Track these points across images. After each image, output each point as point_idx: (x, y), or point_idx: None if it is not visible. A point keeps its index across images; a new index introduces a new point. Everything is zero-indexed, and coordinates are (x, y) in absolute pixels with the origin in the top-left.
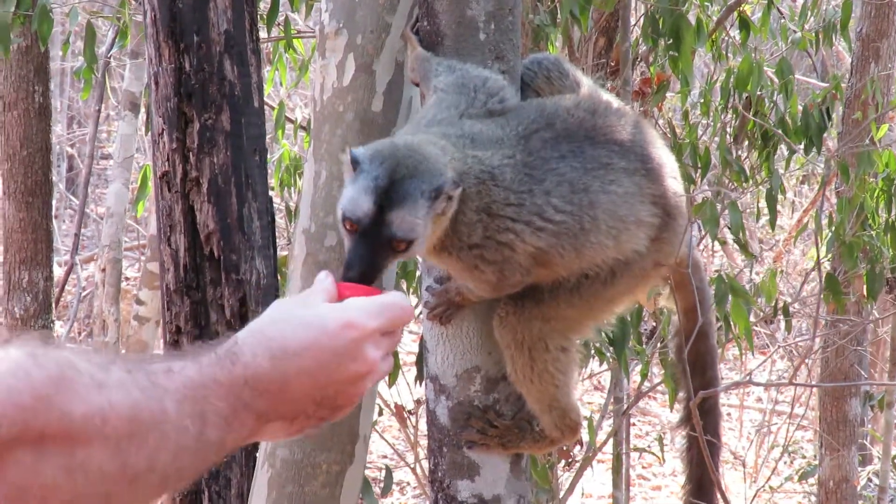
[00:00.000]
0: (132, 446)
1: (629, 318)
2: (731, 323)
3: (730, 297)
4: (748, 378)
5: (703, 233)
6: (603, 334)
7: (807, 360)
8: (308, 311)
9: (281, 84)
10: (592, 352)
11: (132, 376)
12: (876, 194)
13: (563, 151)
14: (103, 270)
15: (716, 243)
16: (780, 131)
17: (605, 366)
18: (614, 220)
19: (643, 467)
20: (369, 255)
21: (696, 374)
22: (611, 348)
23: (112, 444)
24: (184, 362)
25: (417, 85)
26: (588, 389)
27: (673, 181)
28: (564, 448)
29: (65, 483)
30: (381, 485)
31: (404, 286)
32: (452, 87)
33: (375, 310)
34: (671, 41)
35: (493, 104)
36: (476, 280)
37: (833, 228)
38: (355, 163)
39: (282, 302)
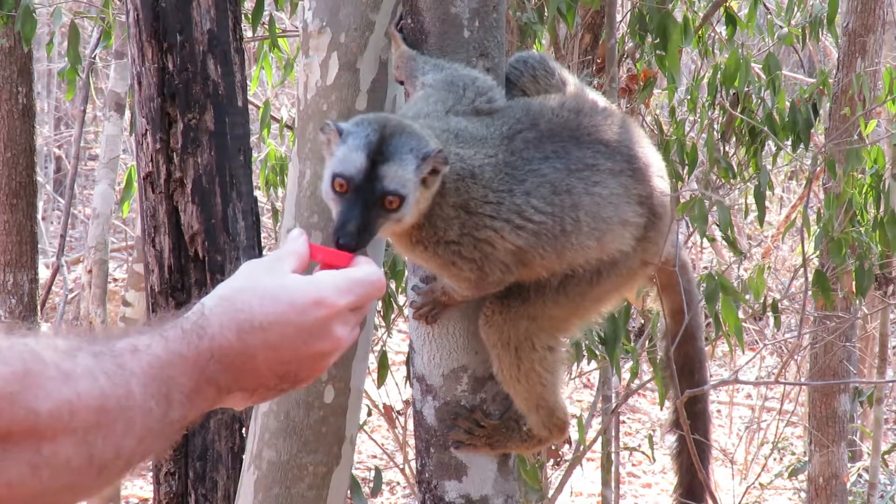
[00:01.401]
0: (99, 437)
1: (619, 317)
2: (722, 321)
3: (720, 294)
4: (735, 377)
5: (691, 230)
6: (594, 333)
7: (796, 357)
8: (277, 282)
9: (266, 83)
10: (584, 351)
11: (98, 362)
12: (864, 190)
13: (546, 152)
14: (90, 272)
15: (704, 240)
16: (767, 128)
17: (593, 364)
18: (597, 222)
19: (633, 465)
20: (362, 214)
21: (685, 377)
22: (601, 347)
23: (79, 436)
24: (150, 338)
25: (402, 83)
26: (577, 387)
27: (659, 180)
28: (553, 447)
29: (30, 479)
30: (371, 485)
31: (393, 286)
32: (441, 84)
33: (346, 286)
34: (658, 40)
35: (480, 103)
36: (455, 277)
37: (821, 224)
38: (340, 132)
39: (251, 266)
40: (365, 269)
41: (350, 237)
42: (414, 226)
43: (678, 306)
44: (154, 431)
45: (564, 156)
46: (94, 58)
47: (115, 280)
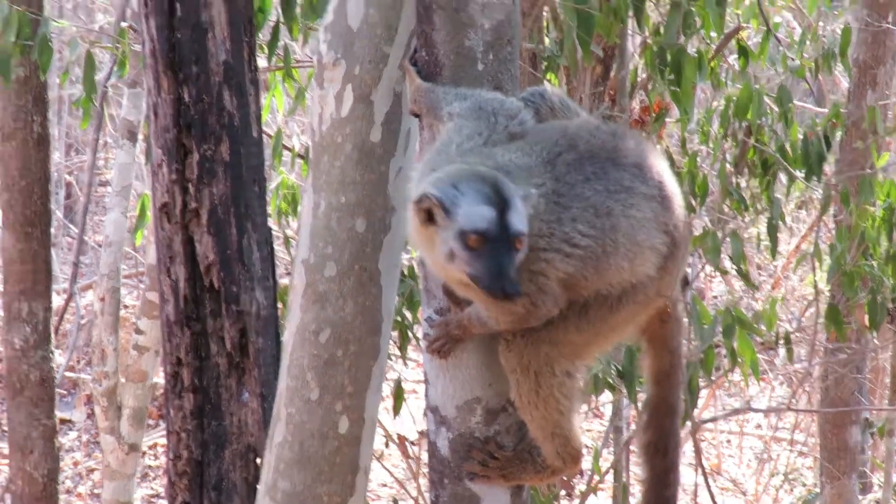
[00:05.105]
0: None
1: (637, 350)
2: (738, 354)
3: (736, 329)
4: (747, 405)
5: (703, 262)
6: (611, 365)
7: (807, 388)
8: None
9: (278, 111)
10: (601, 382)
11: None
12: (877, 224)
13: (587, 173)
14: (102, 300)
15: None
16: (780, 159)
17: (606, 395)
18: (632, 244)
19: None
20: (506, 259)
21: (658, 454)
22: (618, 379)
23: None
24: None
25: (416, 115)
26: (588, 417)
27: (681, 211)
28: (566, 478)
29: None
30: None
31: (409, 316)
32: (470, 113)
33: None
34: (672, 75)
35: (513, 127)
36: (506, 312)
37: (834, 257)
38: (441, 200)
39: None
40: None
41: (514, 283)
42: None
43: (664, 367)
44: None
45: (603, 177)
46: (108, 86)
47: (127, 307)
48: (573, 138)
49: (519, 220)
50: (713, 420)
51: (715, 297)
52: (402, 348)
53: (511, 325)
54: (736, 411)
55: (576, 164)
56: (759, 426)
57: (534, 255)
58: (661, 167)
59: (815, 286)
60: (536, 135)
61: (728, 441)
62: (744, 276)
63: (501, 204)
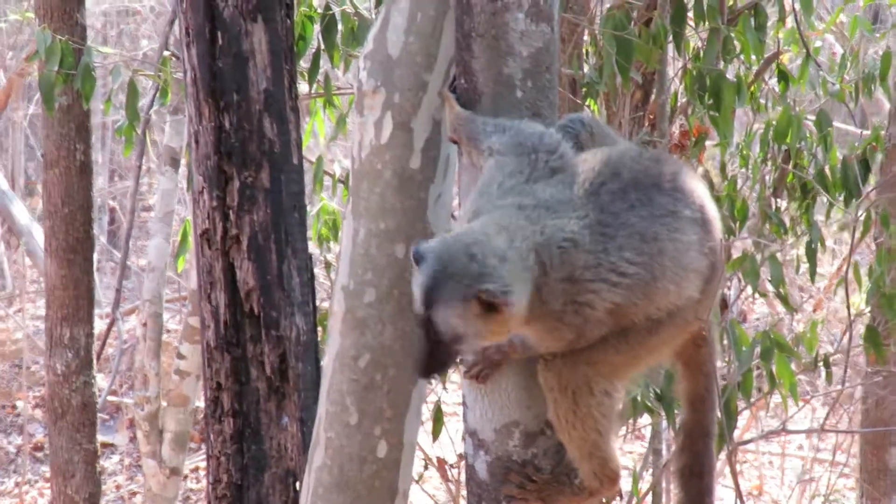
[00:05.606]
0: None
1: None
2: (777, 378)
3: (775, 352)
4: (784, 426)
5: (743, 284)
6: (650, 388)
7: (848, 408)
8: None
9: (319, 136)
10: (640, 406)
11: None
12: None
13: (631, 201)
14: (144, 325)
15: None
16: (819, 183)
17: (645, 417)
18: (678, 268)
19: None
20: (427, 348)
21: (693, 478)
22: (656, 402)
23: None
24: None
25: (455, 143)
26: (629, 439)
27: (718, 234)
28: (604, 500)
29: None
30: None
31: None
32: (510, 149)
33: None
34: (711, 101)
35: (554, 161)
36: (554, 340)
37: (872, 279)
38: (418, 258)
39: None
40: None
41: (420, 370)
42: None
43: (699, 391)
44: None
45: (648, 203)
46: (150, 114)
47: (169, 331)
48: (616, 166)
49: (446, 323)
50: (749, 442)
51: (757, 320)
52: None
53: (558, 349)
54: (770, 433)
55: (620, 192)
56: (800, 447)
57: (580, 286)
58: (701, 191)
59: (848, 308)
60: (578, 166)
61: (770, 462)
62: (783, 299)
63: (433, 301)
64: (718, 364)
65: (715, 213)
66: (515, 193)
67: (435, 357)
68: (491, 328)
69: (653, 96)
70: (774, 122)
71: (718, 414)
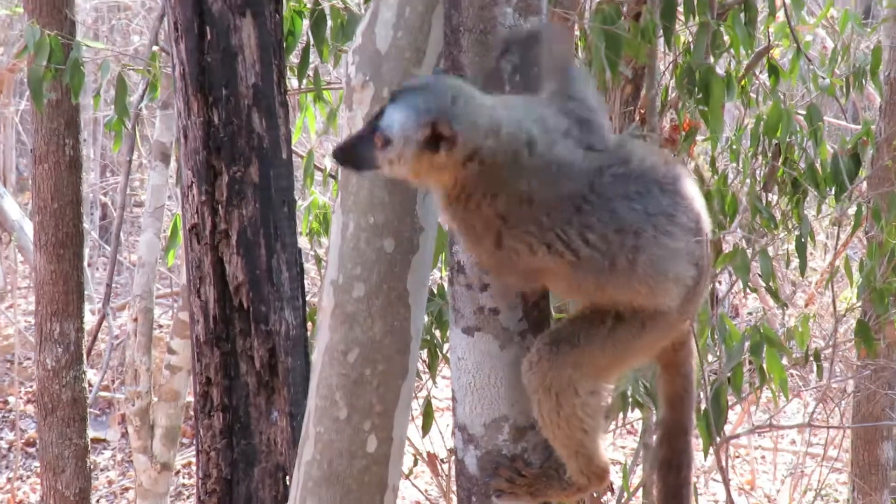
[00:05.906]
0: None
1: None
2: (766, 372)
3: (765, 346)
4: (770, 422)
5: (734, 279)
6: (640, 383)
7: (840, 403)
8: None
9: (310, 131)
10: (630, 401)
11: None
12: None
13: (629, 191)
14: (135, 320)
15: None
16: (809, 178)
17: (636, 412)
18: (654, 271)
19: None
20: (359, 135)
21: (672, 471)
22: (647, 397)
23: None
24: None
25: None
26: (621, 434)
27: (708, 241)
28: (595, 494)
29: None
30: None
31: (438, 335)
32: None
33: None
34: (700, 95)
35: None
36: (470, 243)
37: (863, 274)
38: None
39: None
40: None
41: (337, 149)
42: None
43: (678, 391)
44: None
45: (646, 197)
46: (140, 109)
47: (161, 326)
48: (628, 155)
49: (391, 123)
50: (736, 437)
51: (750, 314)
52: (432, 367)
53: (481, 263)
54: (757, 428)
55: (622, 178)
56: (793, 442)
57: (517, 231)
58: (700, 199)
59: (834, 304)
60: (598, 143)
61: (763, 457)
62: (773, 293)
63: (395, 99)
64: (710, 359)
65: (708, 223)
66: (545, 106)
67: (356, 149)
68: (421, 161)
69: (643, 91)
70: (765, 117)
71: (709, 410)
